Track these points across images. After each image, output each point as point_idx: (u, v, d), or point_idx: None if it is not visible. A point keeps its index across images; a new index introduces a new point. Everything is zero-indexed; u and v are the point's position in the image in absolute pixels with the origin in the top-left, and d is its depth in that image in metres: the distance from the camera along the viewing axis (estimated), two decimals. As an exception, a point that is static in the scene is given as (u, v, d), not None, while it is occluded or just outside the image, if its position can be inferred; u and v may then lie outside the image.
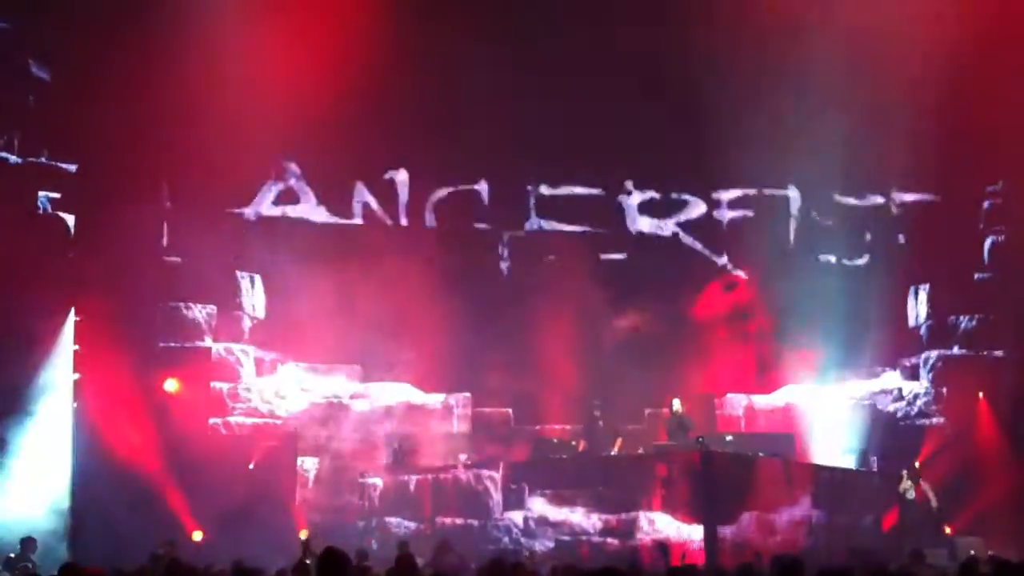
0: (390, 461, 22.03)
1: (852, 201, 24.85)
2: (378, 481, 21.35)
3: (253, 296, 22.88)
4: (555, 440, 21.98)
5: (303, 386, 22.92)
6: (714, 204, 24.84)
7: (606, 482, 19.29)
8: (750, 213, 24.78)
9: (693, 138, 22.38)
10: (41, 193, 20.62)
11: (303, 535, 19.58)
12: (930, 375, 23.87)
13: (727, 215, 24.83)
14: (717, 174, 24.24)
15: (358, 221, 23.79)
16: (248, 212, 23.17)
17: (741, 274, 24.59)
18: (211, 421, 21.93)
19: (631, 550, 18.08)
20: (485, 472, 20.21)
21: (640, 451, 20.87)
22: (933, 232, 24.14)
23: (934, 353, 23.94)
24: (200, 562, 14.48)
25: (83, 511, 19.78)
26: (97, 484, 19.72)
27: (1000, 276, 23.84)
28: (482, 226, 24.24)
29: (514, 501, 19.83)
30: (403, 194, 24.00)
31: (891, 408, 23.89)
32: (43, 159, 20.61)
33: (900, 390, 24.02)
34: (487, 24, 22.14)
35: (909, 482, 21.34)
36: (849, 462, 22.29)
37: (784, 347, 23.76)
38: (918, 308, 24.47)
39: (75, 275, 20.39)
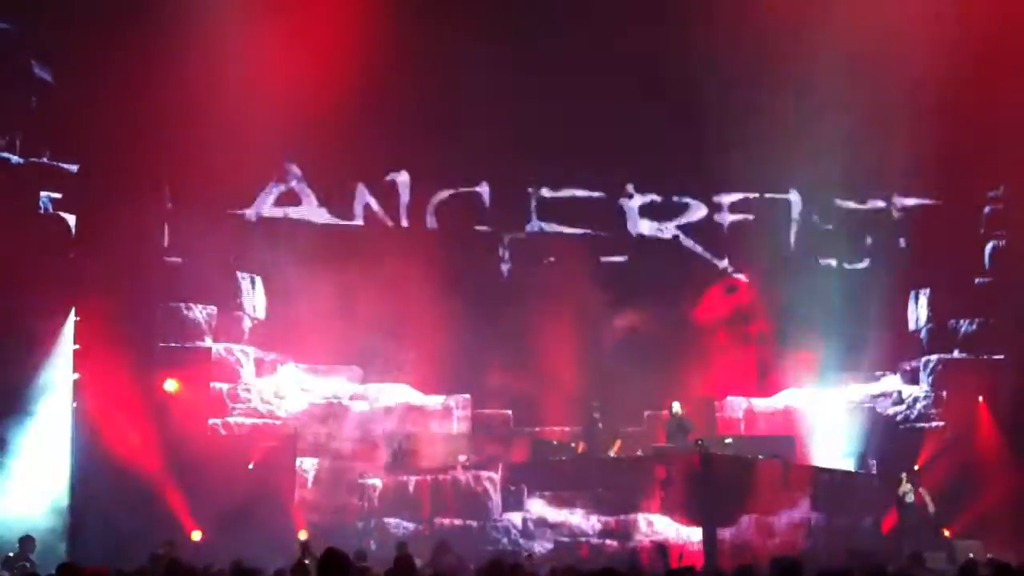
0: (389, 462, 22.04)
1: (853, 205, 24.83)
2: (377, 482, 21.38)
3: (254, 297, 22.88)
4: (554, 442, 21.99)
5: (303, 387, 22.92)
6: (715, 207, 24.81)
7: (605, 484, 19.32)
8: (751, 216, 24.76)
9: (694, 140, 22.42)
10: (42, 193, 20.63)
11: (302, 535, 19.63)
12: (930, 379, 23.82)
13: (728, 218, 24.81)
14: (718, 177, 24.24)
15: (359, 223, 23.81)
16: (249, 213, 23.20)
17: (742, 277, 24.56)
18: (211, 421, 21.91)
19: (630, 552, 18.11)
20: (484, 473, 20.23)
21: (639, 453, 20.89)
22: (934, 236, 24.08)
23: (934, 357, 23.89)
24: (199, 562, 14.50)
25: (82, 510, 19.77)
26: (96, 484, 19.72)
27: (1000, 280, 23.77)
28: (483, 228, 24.24)
29: (513, 502, 19.85)
30: (404, 196, 24.02)
31: (891, 411, 23.83)
32: (45, 159, 20.62)
33: (900, 393, 23.97)
34: (487, 24, 22.12)
35: (909, 485, 21.35)
36: (848, 465, 22.29)
37: (784, 350, 23.74)
38: (918, 312, 24.44)
39: (76, 275, 20.39)
